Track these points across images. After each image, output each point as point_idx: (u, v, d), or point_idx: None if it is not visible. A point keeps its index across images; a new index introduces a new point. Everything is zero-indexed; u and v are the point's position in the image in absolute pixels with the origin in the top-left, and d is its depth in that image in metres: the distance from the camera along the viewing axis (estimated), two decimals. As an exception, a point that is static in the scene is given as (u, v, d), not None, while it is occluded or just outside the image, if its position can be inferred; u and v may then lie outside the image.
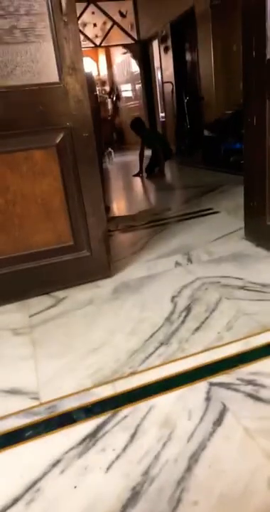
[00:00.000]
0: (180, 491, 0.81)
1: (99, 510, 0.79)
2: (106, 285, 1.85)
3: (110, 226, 2.68)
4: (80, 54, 1.54)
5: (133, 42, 7.90)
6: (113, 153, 6.86)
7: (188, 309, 1.53)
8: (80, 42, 1.54)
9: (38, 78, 1.51)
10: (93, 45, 8.34)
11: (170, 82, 6.54)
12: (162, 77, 7.01)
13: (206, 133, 5.16)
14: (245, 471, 0.84)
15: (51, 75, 1.52)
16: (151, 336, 1.38)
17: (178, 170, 5.49)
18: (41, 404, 1.11)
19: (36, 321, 1.58)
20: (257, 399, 1.03)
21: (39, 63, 1.49)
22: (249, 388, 1.07)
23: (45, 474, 0.89)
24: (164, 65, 6.80)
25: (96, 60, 10.64)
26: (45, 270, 1.77)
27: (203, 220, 2.70)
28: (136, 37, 7.85)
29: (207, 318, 1.45)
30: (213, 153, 4.86)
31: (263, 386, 1.07)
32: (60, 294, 1.79)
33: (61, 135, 1.61)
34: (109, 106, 10.46)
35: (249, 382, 1.09)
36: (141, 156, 5.19)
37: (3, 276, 1.71)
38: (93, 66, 10.42)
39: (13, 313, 1.66)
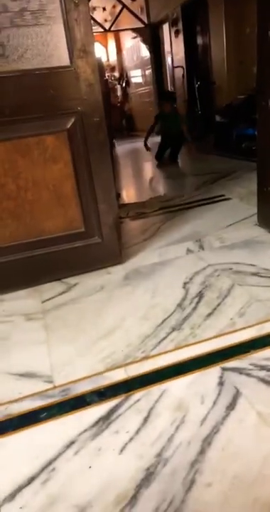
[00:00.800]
0: (193, 472, 0.82)
1: (114, 490, 0.80)
2: (117, 271, 1.85)
3: (121, 213, 2.67)
4: (91, 37, 1.51)
5: (143, 26, 7.74)
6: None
7: (200, 295, 1.52)
8: (91, 24, 1.52)
9: (48, 62, 1.49)
10: (102, 30, 8.21)
11: (181, 67, 6.42)
12: (172, 62, 6.89)
13: (218, 118, 5.07)
14: (259, 455, 0.84)
15: (62, 59, 1.50)
16: (163, 322, 1.38)
17: (189, 156, 5.42)
18: (55, 387, 1.13)
19: (48, 306, 1.59)
20: (270, 384, 1.03)
21: (49, 46, 1.48)
22: (262, 373, 1.07)
23: (59, 455, 0.91)
24: (175, 49, 6.67)
25: (106, 46, 10.49)
26: (56, 256, 1.77)
27: (215, 206, 2.67)
28: (146, 20, 7.69)
29: (219, 304, 1.44)
30: (225, 139, 4.78)
31: (276, 371, 1.07)
32: (72, 280, 1.80)
33: (72, 120, 1.60)
34: (119, 92, 10.34)
35: (263, 368, 1.09)
36: (150, 132, 4.88)
37: (16, 263, 1.72)
38: (102, 51, 10.28)
39: (26, 299, 1.68)
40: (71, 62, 1.51)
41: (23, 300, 1.68)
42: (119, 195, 3.23)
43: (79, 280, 1.79)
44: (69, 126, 1.61)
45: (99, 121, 1.62)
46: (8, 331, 1.45)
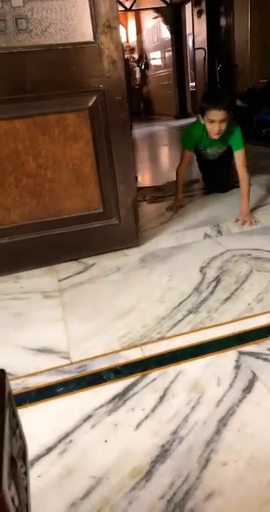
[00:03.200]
0: (209, 451, 0.82)
1: (129, 464, 0.82)
2: (133, 254, 1.85)
3: (137, 196, 2.65)
4: (116, 11, 1.48)
5: (164, 5, 7.54)
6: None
7: (217, 280, 1.51)
8: (116, -2, 1.48)
9: (72, 37, 1.46)
10: (123, 9, 8.03)
11: (203, 49, 6.25)
12: (193, 44, 6.71)
13: (238, 103, 4.95)
14: (274, 438, 0.84)
15: (85, 34, 1.47)
16: (179, 304, 1.38)
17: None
18: (72, 363, 1.14)
19: (65, 285, 1.61)
20: (288, 370, 1.02)
21: (73, 21, 1.45)
22: (279, 359, 1.06)
23: (76, 428, 0.92)
24: (197, 30, 6.49)
25: (126, 26, 10.27)
26: (74, 236, 1.78)
27: (233, 192, 2.62)
28: (168, 0, 7.48)
29: (236, 289, 1.43)
30: (245, 124, 4.66)
31: (294, 358, 1.06)
32: (89, 260, 1.81)
33: (94, 98, 1.58)
34: (137, 74, 10.16)
35: (280, 354, 1.08)
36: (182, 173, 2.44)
37: (34, 241, 1.73)
38: (122, 32, 10.07)
39: (43, 277, 1.69)
40: (95, 37, 1.48)
41: (40, 278, 1.69)
42: (136, 178, 3.20)
43: (96, 261, 1.80)
44: (90, 104, 1.59)
45: (121, 100, 1.60)
46: (25, 308, 1.47)
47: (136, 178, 3.26)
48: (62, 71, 1.50)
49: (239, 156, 2.17)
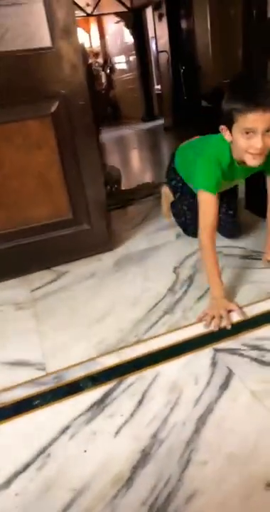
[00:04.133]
0: (189, 451, 0.82)
1: (110, 472, 0.80)
2: (107, 258, 1.83)
3: (109, 200, 2.64)
4: (73, 16, 1.47)
5: (125, 10, 7.59)
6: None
7: (191, 279, 1.52)
8: (72, 3, 1.47)
9: (30, 43, 1.44)
10: (84, 14, 8.02)
11: (166, 51, 6.33)
12: (157, 47, 6.78)
13: (203, 103, 5.04)
14: (253, 432, 0.85)
15: (43, 40, 1.45)
16: (155, 306, 1.38)
17: (176, 143, 5.38)
18: (48, 374, 1.12)
19: (38, 295, 1.57)
20: (263, 363, 1.04)
21: (30, 26, 1.42)
22: (254, 353, 1.07)
23: (54, 440, 0.90)
24: (159, 34, 6.56)
25: (88, 31, 10.27)
26: (45, 245, 1.74)
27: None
28: (129, 4, 7.54)
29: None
30: (211, 125, 4.76)
31: (268, 351, 1.07)
32: (61, 268, 1.78)
33: (56, 103, 1.55)
34: (103, 79, 10.16)
35: (255, 348, 1.09)
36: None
37: (3, 252, 1.68)
38: (85, 37, 10.06)
39: (15, 289, 1.65)
40: (53, 43, 1.46)
41: (11, 289, 1.65)
42: (106, 183, 3.18)
43: (69, 268, 1.77)
44: (53, 110, 1.56)
45: (85, 105, 1.58)
46: (-3, 321, 1.43)
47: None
48: (22, 78, 1.48)
49: None
